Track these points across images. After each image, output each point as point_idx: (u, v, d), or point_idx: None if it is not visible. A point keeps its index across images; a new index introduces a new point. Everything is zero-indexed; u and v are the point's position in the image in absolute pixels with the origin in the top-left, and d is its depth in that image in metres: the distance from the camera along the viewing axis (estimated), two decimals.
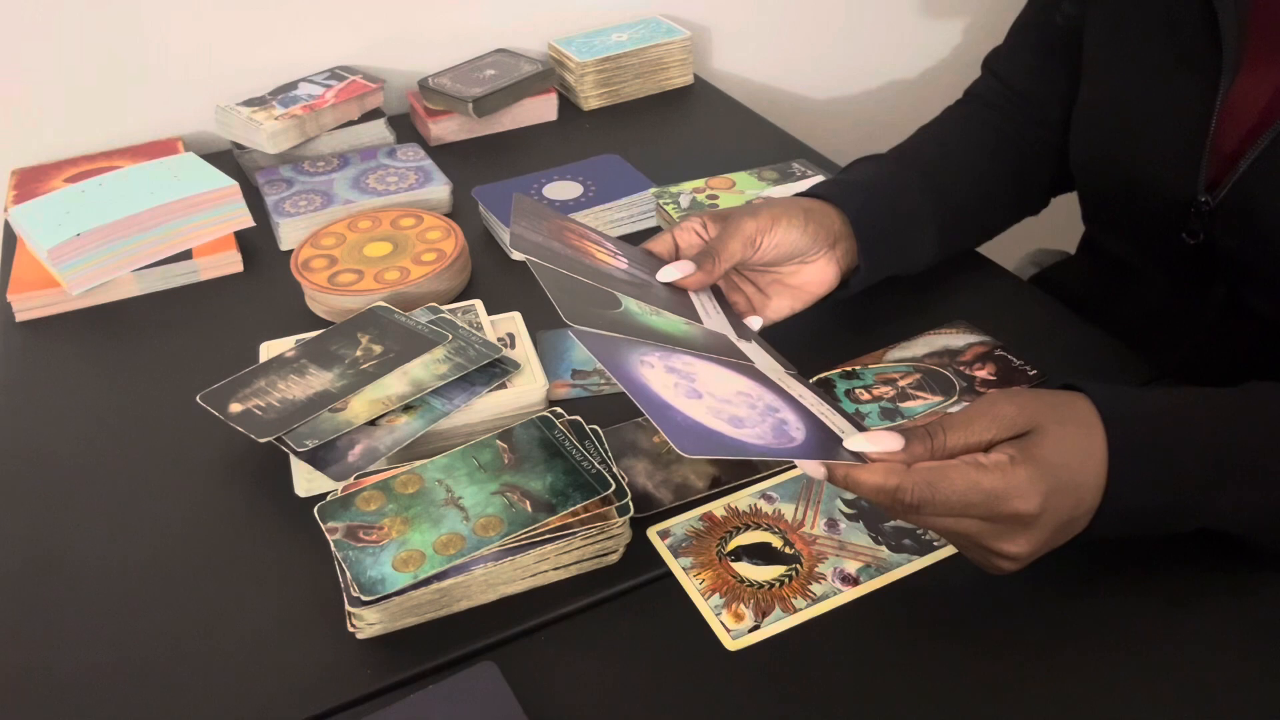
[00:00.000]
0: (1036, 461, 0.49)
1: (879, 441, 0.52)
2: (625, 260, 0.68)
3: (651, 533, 0.62)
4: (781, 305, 0.72)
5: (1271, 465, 0.52)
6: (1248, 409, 0.54)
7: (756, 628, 0.56)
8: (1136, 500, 0.51)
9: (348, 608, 0.55)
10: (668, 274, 0.67)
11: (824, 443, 0.53)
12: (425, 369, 0.70)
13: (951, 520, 0.51)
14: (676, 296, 0.67)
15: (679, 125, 1.21)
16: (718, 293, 0.71)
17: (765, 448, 0.51)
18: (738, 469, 0.66)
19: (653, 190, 0.95)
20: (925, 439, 0.52)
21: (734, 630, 0.56)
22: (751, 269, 0.73)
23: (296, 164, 1.05)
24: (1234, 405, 0.54)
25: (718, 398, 0.55)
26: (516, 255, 0.65)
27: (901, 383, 0.72)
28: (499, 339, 0.74)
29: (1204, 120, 0.67)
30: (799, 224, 0.69)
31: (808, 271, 0.72)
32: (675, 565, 0.60)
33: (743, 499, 0.64)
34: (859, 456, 0.53)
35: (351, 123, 1.11)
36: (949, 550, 0.59)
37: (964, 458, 0.51)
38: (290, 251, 0.90)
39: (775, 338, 0.71)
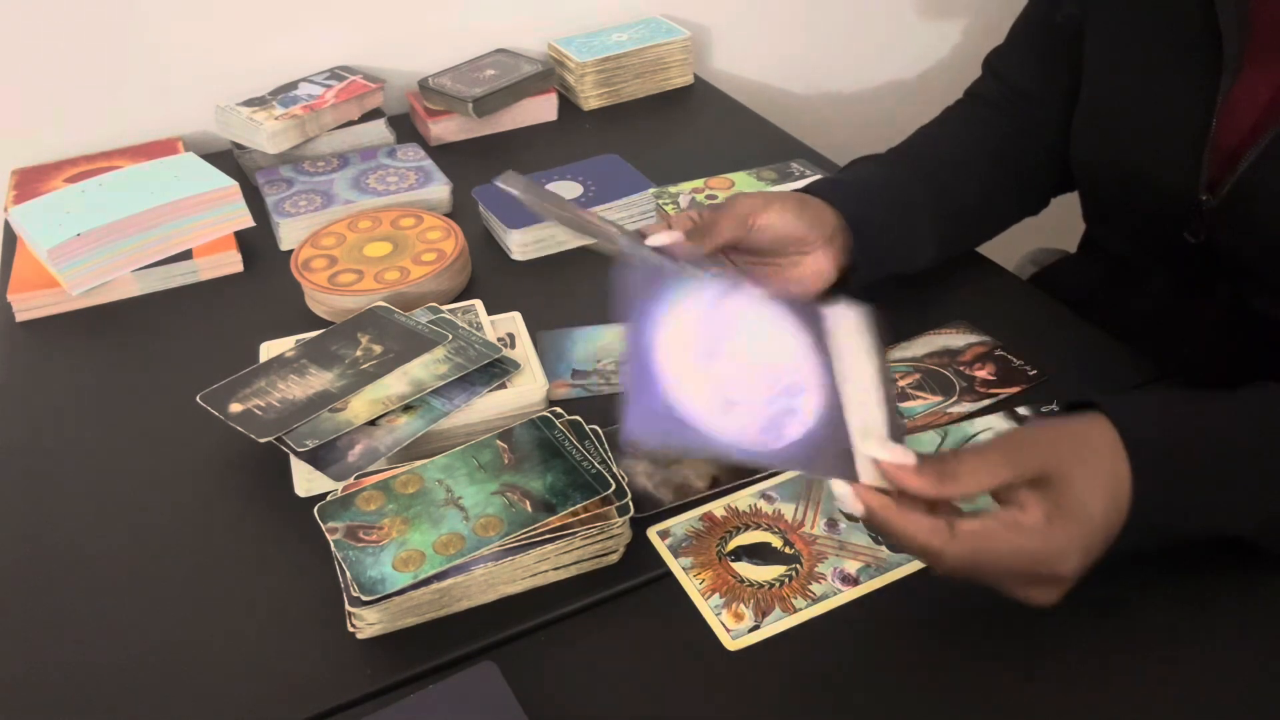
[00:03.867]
0: (1073, 518, 0.48)
1: (892, 452, 0.51)
2: (615, 230, 0.68)
3: (651, 533, 0.62)
4: None
5: None
6: (1271, 416, 0.53)
7: (756, 628, 0.56)
8: (1159, 520, 0.52)
9: (348, 608, 0.55)
10: (656, 239, 0.65)
11: (818, 450, 0.51)
12: (425, 369, 0.70)
13: (992, 575, 0.50)
14: None
15: (679, 125, 1.21)
16: None
17: (727, 445, 0.49)
18: (738, 469, 0.66)
19: (652, 190, 0.95)
20: (938, 465, 0.50)
21: (734, 630, 0.56)
22: (748, 258, 0.73)
23: (296, 164, 1.05)
24: (1258, 413, 0.54)
25: (734, 367, 0.52)
26: (502, 185, 0.63)
27: (901, 383, 0.72)
28: (499, 339, 0.74)
29: (1205, 119, 0.67)
30: (792, 211, 0.69)
31: (806, 264, 0.72)
32: (675, 565, 0.60)
33: (743, 499, 0.64)
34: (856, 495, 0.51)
35: (351, 123, 1.11)
36: None
37: (1003, 518, 0.49)
38: (290, 251, 0.90)
39: None
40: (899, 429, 0.55)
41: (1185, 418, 0.53)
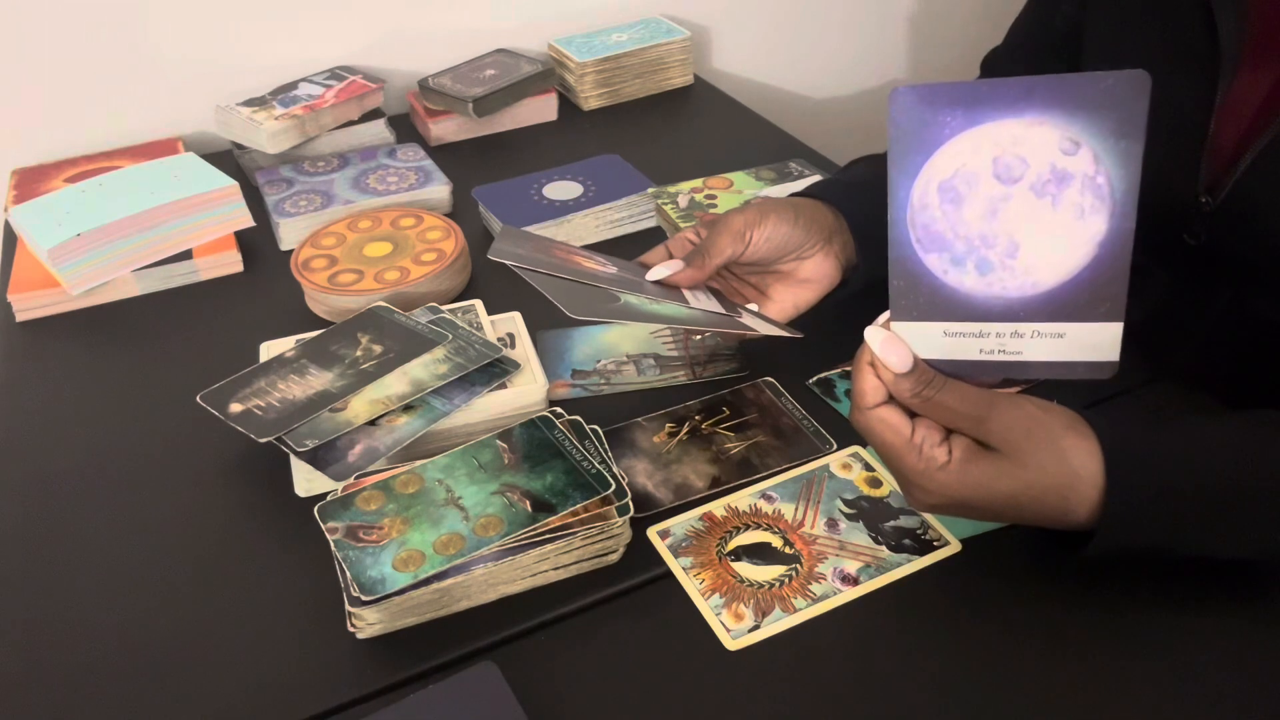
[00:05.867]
0: (964, 480, 0.52)
1: (887, 350, 0.53)
2: (615, 268, 0.69)
3: (651, 533, 0.62)
4: (785, 303, 0.72)
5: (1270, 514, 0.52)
6: (1259, 456, 0.53)
7: (756, 628, 0.56)
8: (1126, 551, 0.52)
9: (348, 608, 0.55)
10: (657, 272, 0.68)
11: (936, 294, 0.53)
12: (425, 369, 0.70)
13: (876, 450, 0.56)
14: (671, 296, 0.67)
15: (679, 125, 1.21)
16: (720, 298, 0.72)
17: (902, 230, 0.51)
18: (738, 469, 0.66)
19: (651, 190, 0.95)
20: (921, 383, 0.53)
21: (734, 630, 0.56)
22: (748, 268, 0.73)
23: (296, 164, 1.05)
24: (1249, 452, 0.53)
25: (1015, 196, 0.51)
26: (494, 258, 0.65)
27: None
28: (499, 339, 0.74)
29: (1203, 120, 0.67)
30: (789, 218, 0.70)
31: (807, 267, 0.72)
32: (675, 565, 0.60)
33: (743, 499, 0.64)
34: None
35: (351, 123, 1.11)
36: (949, 550, 0.59)
37: (919, 431, 0.53)
38: (290, 251, 0.90)
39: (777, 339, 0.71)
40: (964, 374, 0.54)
41: (1174, 456, 0.53)
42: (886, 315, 0.54)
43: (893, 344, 0.53)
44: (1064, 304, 0.51)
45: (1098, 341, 0.51)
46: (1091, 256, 0.50)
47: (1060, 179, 0.49)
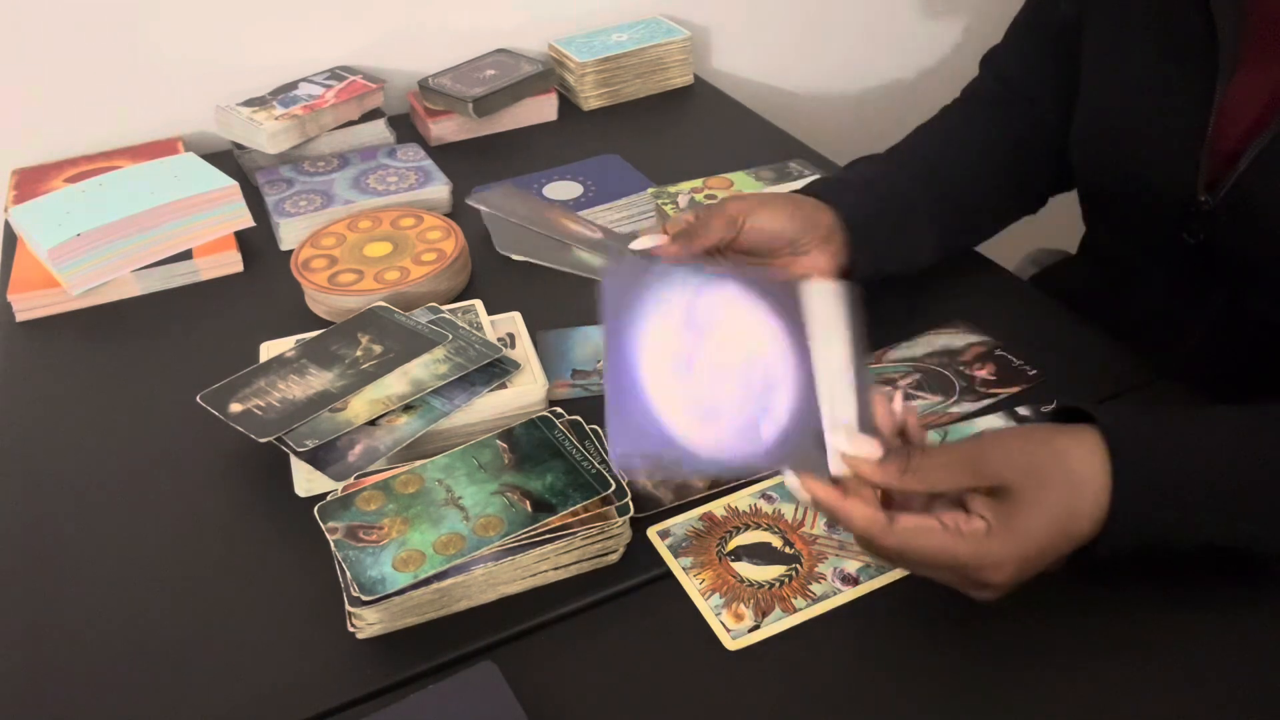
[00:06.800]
0: (1014, 533, 0.50)
1: (857, 445, 0.52)
2: (600, 234, 0.68)
3: (651, 533, 0.62)
4: None
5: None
6: (1267, 442, 0.53)
7: (756, 628, 0.56)
8: (1138, 539, 0.52)
9: (348, 608, 0.55)
10: (641, 243, 0.67)
11: (795, 444, 0.52)
12: (425, 369, 0.70)
13: (925, 569, 0.52)
14: None
15: (679, 125, 1.21)
16: None
17: (708, 462, 0.51)
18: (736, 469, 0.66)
19: (651, 190, 0.95)
20: (902, 459, 0.51)
21: (734, 630, 0.56)
22: (741, 259, 0.73)
23: (296, 164, 1.05)
24: (1253, 438, 0.53)
25: (713, 372, 0.52)
26: (472, 203, 0.64)
27: (901, 383, 0.72)
28: (499, 339, 0.74)
29: (1202, 119, 0.67)
30: (784, 211, 0.69)
31: (803, 263, 0.72)
32: (675, 565, 0.60)
33: (743, 499, 0.64)
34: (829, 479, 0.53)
35: (351, 123, 1.11)
36: None
37: (946, 519, 0.50)
38: (290, 251, 0.90)
39: None
40: (867, 406, 0.54)
41: (1178, 439, 0.53)
42: (793, 480, 0.53)
43: (855, 440, 0.52)
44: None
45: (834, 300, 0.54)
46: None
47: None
